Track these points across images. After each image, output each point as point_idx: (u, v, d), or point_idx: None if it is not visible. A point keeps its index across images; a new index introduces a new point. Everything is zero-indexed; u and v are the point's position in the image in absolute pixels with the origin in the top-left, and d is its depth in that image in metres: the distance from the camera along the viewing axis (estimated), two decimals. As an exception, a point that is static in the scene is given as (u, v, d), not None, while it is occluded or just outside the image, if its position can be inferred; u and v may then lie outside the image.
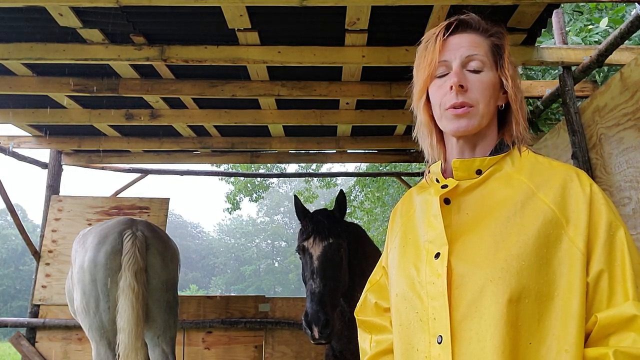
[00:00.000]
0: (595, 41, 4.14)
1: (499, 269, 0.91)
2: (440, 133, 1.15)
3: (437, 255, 0.99)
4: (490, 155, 1.07)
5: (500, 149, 1.08)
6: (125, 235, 3.11)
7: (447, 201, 1.06)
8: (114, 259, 3.04)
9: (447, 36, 1.08)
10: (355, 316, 1.32)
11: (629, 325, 0.86)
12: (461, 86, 1.03)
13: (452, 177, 1.08)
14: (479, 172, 1.06)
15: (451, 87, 1.03)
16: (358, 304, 1.32)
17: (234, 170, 10.97)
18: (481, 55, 1.06)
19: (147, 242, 3.20)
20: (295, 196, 3.02)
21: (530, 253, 0.92)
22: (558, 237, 0.93)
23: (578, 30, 4.32)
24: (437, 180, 1.11)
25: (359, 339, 1.29)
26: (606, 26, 4.13)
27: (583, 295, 0.90)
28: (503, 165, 1.06)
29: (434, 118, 1.12)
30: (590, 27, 4.28)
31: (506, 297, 0.89)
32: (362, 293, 1.32)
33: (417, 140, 1.18)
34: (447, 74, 1.06)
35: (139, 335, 2.96)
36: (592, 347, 0.89)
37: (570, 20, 4.83)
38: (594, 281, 0.91)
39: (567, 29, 3.68)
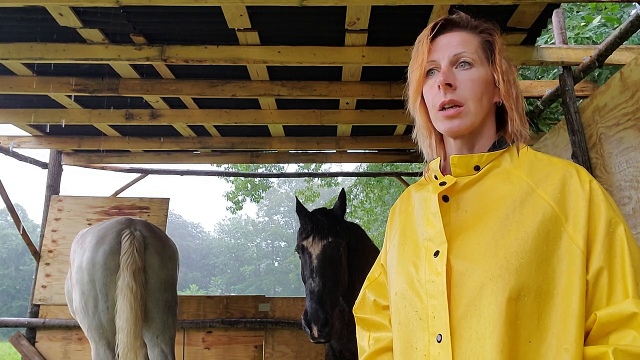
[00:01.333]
0: (586, 38, 4.15)
1: (499, 267, 0.91)
2: (439, 132, 1.14)
3: (437, 253, 0.98)
4: (488, 151, 1.07)
5: (498, 145, 1.08)
6: (124, 235, 3.11)
7: (445, 198, 1.05)
8: (112, 258, 3.04)
9: (438, 36, 1.08)
10: (354, 313, 1.31)
11: (629, 323, 0.86)
12: (449, 85, 1.02)
13: (451, 174, 1.08)
14: (477, 169, 1.06)
15: (439, 87, 1.03)
16: (357, 301, 1.32)
17: (234, 170, 10.97)
18: (470, 52, 1.05)
19: (146, 242, 3.19)
20: (296, 197, 3.02)
21: (530, 250, 0.91)
22: (557, 235, 0.93)
23: (571, 28, 4.35)
24: (436, 177, 1.11)
25: (357, 336, 1.29)
26: (599, 23, 4.15)
27: (583, 293, 0.89)
28: (501, 161, 1.06)
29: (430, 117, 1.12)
30: (583, 24, 4.30)
31: (506, 295, 0.88)
32: (361, 290, 1.32)
33: (417, 141, 1.18)
34: (437, 74, 1.06)
35: (138, 335, 2.96)
36: (591, 345, 0.89)
37: (567, 18, 4.84)
38: (594, 279, 0.90)
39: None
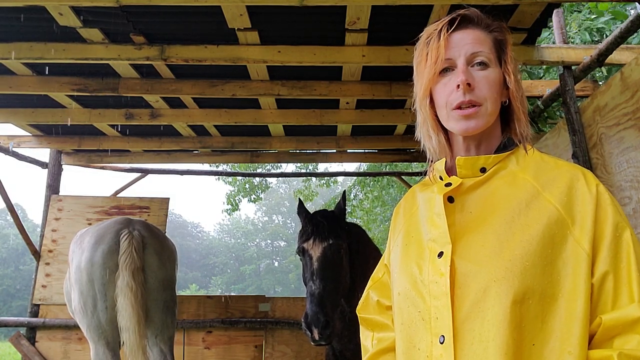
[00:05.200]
0: (598, 29, 4.15)
1: (503, 269, 0.90)
2: (445, 131, 1.11)
3: (440, 254, 0.97)
4: (495, 153, 1.06)
5: (505, 147, 1.07)
6: (122, 234, 3.11)
7: (450, 199, 1.04)
8: (110, 258, 3.03)
9: (450, 32, 1.05)
10: (357, 313, 1.31)
11: (634, 328, 0.85)
12: (468, 84, 1.00)
13: (456, 175, 1.07)
14: (483, 170, 1.05)
15: (458, 86, 1.01)
16: (360, 301, 1.32)
17: (233, 170, 10.96)
18: (486, 51, 1.03)
19: (144, 242, 3.19)
20: (299, 199, 3.02)
21: (535, 253, 0.90)
22: (563, 238, 0.92)
23: (580, 22, 4.33)
24: (441, 178, 1.10)
25: (361, 336, 1.29)
26: (609, 17, 4.15)
27: (588, 297, 0.88)
28: (508, 163, 1.05)
29: (437, 116, 1.10)
30: (595, 16, 4.30)
31: (510, 298, 0.87)
32: (365, 290, 1.31)
33: (419, 139, 1.15)
34: (452, 71, 1.04)
35: (143, 333, 2.96)
36: (596, 349, 0.88)
37: (571, 14, 4.83)
38: (599, 282, 0.90)
39: (567, 23, 3.70)
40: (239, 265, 49.78)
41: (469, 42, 1.04)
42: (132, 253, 3.04)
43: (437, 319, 0.94)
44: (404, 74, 3.50)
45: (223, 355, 4.81)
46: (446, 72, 1.05)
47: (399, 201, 1.27)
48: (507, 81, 1.05)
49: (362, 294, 1.33)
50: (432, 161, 1.15)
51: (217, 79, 3.54)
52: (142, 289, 3.03)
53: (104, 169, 5.63)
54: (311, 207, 2.99)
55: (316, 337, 2.31)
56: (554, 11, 3.22)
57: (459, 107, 1.01)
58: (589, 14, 4.52)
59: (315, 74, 3.51)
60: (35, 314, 4.72)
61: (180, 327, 4.69)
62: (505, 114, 1.10)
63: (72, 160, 5.30)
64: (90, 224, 4.64)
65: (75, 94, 3.53)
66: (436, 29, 1.06)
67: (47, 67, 3.40)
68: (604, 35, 4.30)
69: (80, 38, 2.93)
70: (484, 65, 1.03)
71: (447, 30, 1.04)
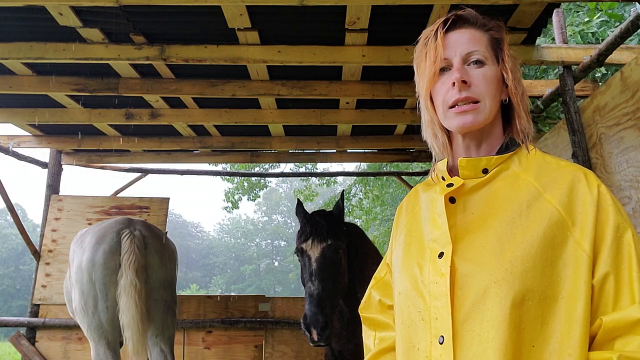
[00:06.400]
0: (592, 33, 4.16)
1: (503, 270, 0.90)
2: (447, 131, 1.12)
3: (441, 254, 0.97)
4: (497, 153, 1.06)
5: (507, 147, 1.07)
6: (123, 234, 3.11)
7: (452, 200, 1.04)
8: (112, 258, 3.04)
9: (446, 32, 1.06)
10: (360, 313, 1.31)
11: (635, 329, 0.85)
12: (464, 82, 1.01)
13: (458, 176, 1.07)
14: (485, 171, 1.05)
15: (453, 84, 1.01)
16: (362, 301, 1.32)
17: (233, 170, 10.97)
18: (482, 50, 1.04)
19: (145, 242, 3.20)
20: (298, 199, 3.02)
21: (535, 254, 0.90)
22: (564, 239, 0.92)
23: (575, 24, 4.35)
24: (443, 178, 1.10)
25: (363, 335, 1.29)
26: (602, 20, 4.16)
27: (588, 298, 0.88)
28: (510, 164, 1.05)
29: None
30: (587, 20, 4.31)
31: (510, 299, 0.87)
32: (367, 290, 1.32)
33: (425, 139, 1.15)
34: (448, 71, 1.05)
35: (145, 331, 2.98)
36: (596, 350, 0.88)
37: (568, 16, 4.85)
38: (600, 284, 0.89)
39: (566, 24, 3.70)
40: (239, 265, 49.80)
41: (464, 41, 1.05)
42: (135, 251, 3.05)
43: (437, 319, 0.94)
44: (404, 74, 3.53)
45: (223, 355, 4.81)
46: (443, 72, 1.06)
47: (402, 200, 1.27)
48: (506, 78, 1.06)
49: (361, 294, 1.33)
50: (436, 161, 1.15)
51: (217, 79, 3.54)
52: (146, 287, 3.05)
53: (104, 169, 5.62)
54: (311, 207, 2.98)
55: (315, 338, 2.31)
56: (554, 11, 3.22)
57: (456, 105, 1.02)
58: (584, 14, 4.54)
59: (315, 73, 3.51)
60: (35, 313, 4.72)
61: (180, 327, 4.69)
62: (506, 113, 1.10)
63: (72, 160, 5.29)
64: (90, 224, 4.64)
65: (75, 94, 3.53)
66: (432, 30, 1.08)
67: (47, 67, 3.40)
68: (599, 40, 4.31)
69: (80, 38, 2.93)
70: (480, 63, 1.04)
71: (443, 29, 1.06)
